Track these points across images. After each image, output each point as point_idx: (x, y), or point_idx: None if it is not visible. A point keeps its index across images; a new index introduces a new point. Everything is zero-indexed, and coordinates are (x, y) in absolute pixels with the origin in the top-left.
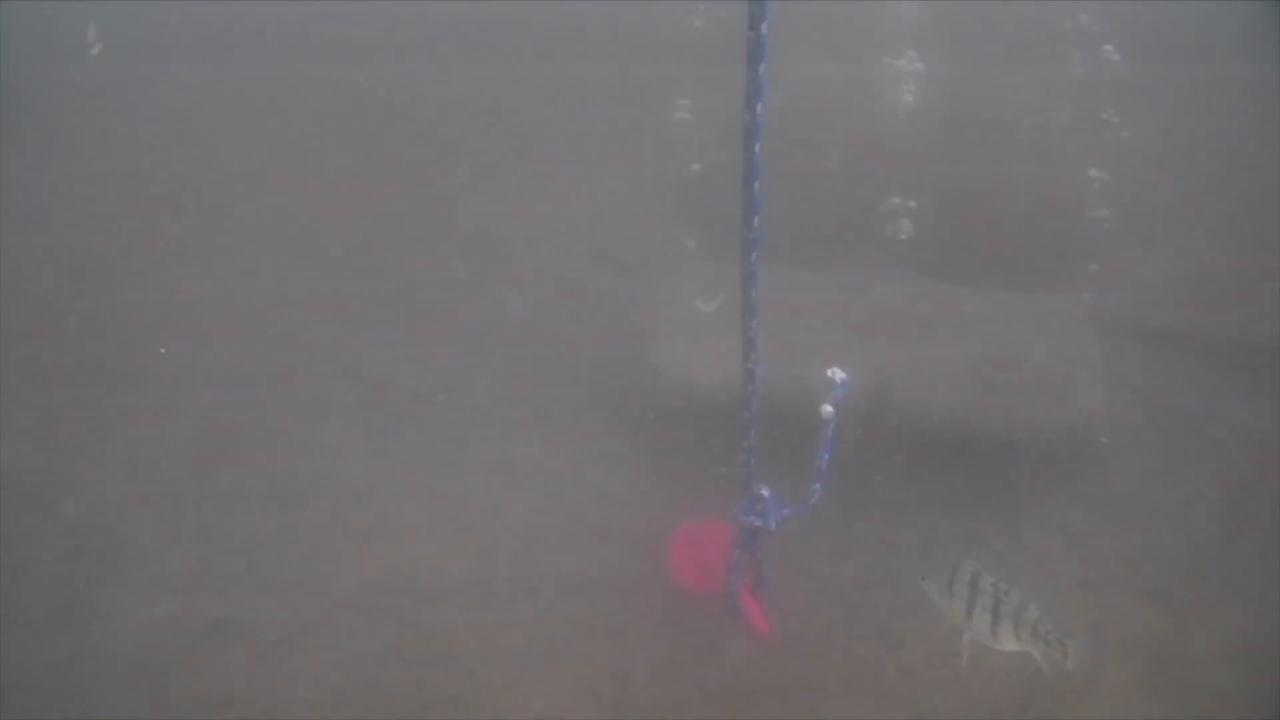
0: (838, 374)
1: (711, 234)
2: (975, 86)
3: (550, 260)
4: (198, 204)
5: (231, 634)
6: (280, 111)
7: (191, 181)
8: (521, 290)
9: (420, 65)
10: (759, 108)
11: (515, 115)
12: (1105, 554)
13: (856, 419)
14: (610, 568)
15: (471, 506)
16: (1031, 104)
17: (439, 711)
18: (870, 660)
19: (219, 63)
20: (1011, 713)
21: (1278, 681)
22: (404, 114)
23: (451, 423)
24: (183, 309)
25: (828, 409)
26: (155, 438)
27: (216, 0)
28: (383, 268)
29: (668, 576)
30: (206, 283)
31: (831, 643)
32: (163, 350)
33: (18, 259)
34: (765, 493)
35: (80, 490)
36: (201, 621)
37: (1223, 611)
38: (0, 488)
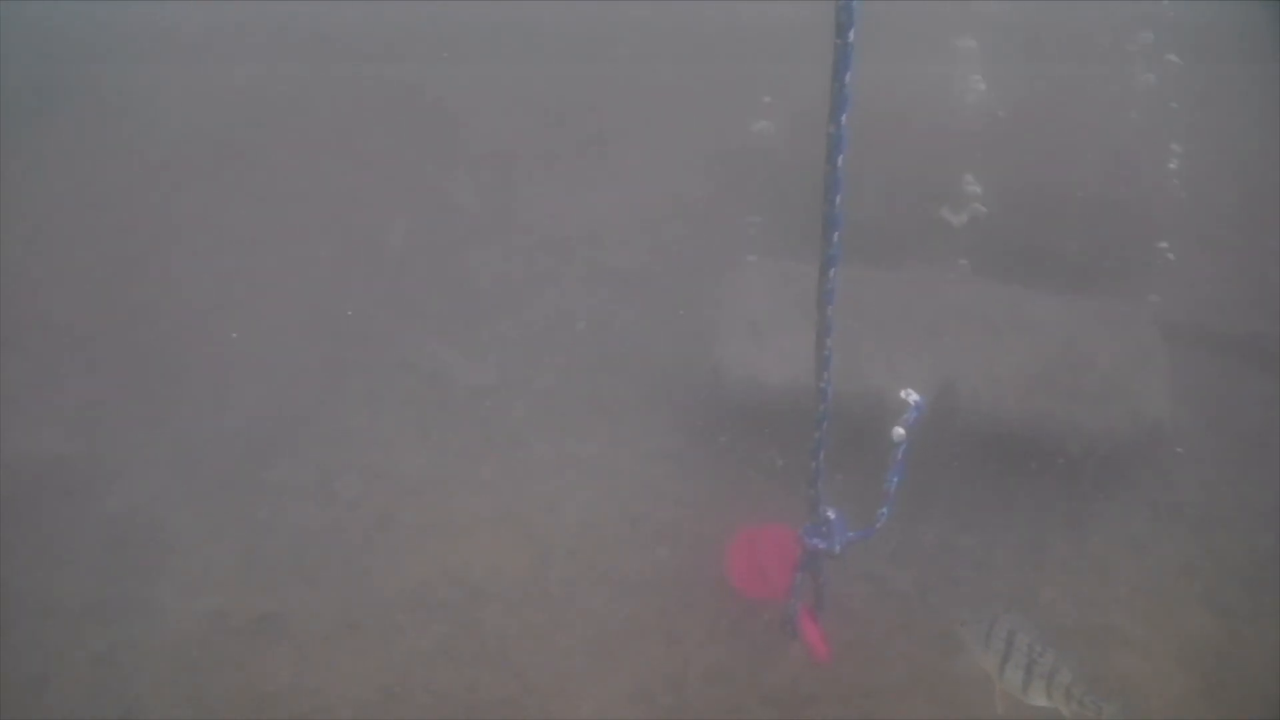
0: (912, 395)
1: (779, 233)
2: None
3: (612, 256)
4: (254, 196)
5: (277, 630)
6: (338, 109)
7: (248, 175)
8: (583, 286)
9: (479, 66)
10: (843, 119)
11: (580, 113)
12: (1167, 562)
13: (922, 421)
14: (667, 569)
15: (527, 504)
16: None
17: (489, 712)
18: (930, 666)
19: (275, 61)
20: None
21: None
22: (463, 112)
23: (509, 419)
24: (236, 300)
25: (899, 431)
26: (204, 429)
27: (271, 1)
28: (441, 262)
29: (725, 580)
30: (262, 274)
31: (891, 648)
32: (234, 335)
33: (70, 248)
34: (831, 515)
35: (126, 481)
36: (246, 617)
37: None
38: (44, 477)
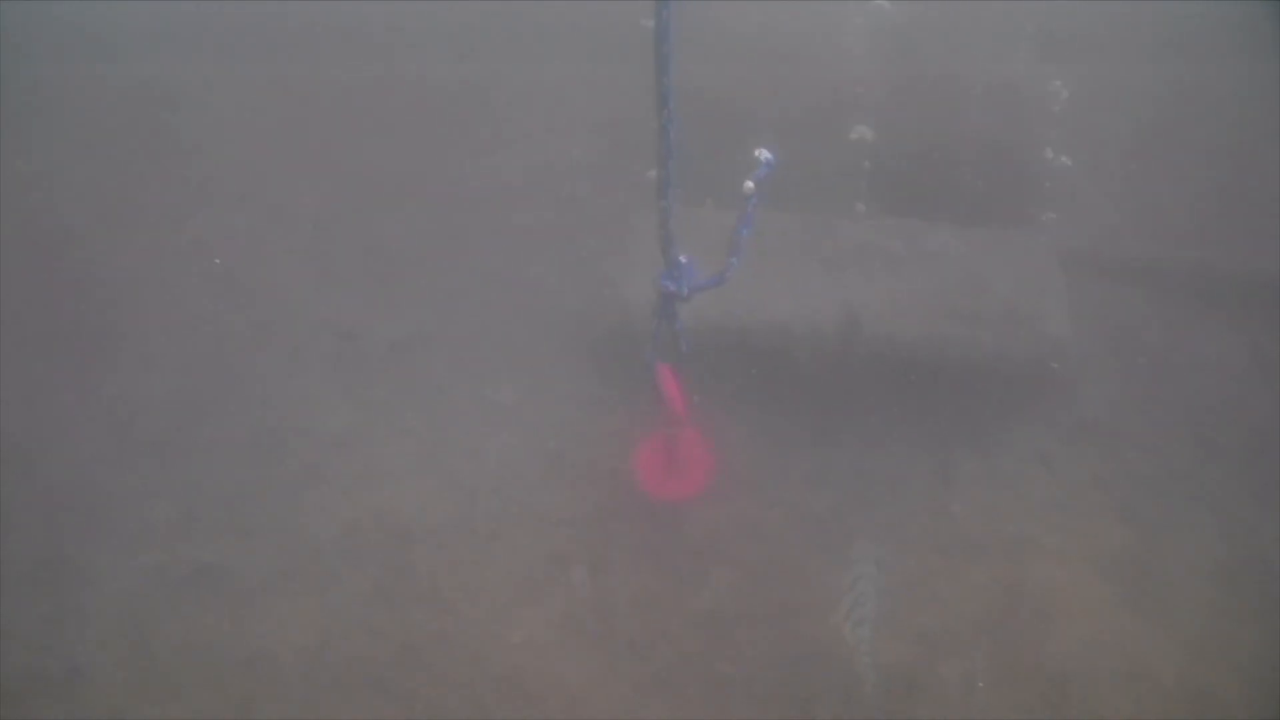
0: (764, 153)
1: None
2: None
3: (521, 212)
4: (173, 175)
5: (215, 581)
6: (256, 97)
7: (166, 155)
8: (493, 241)
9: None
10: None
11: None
12: (1077, 477)
13: (827, 350)
14: (589, 504)
15: (450, 449)
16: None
17: (425, 648)
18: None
19: (191, 55)
20: (993, 627)
21: (1251, 595)
22: (378, 95)
23: (429, 371)
24: (160, 270)
25: (749, 185)
26: (135, 394)
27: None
28: (356, 225)
29: (644, 496)
30: (183, 245)
31: (809, 569)
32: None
33: None
34: (683, 259)
35: (61, 449)
36: (185, 570)
37: (1195, 530)
38: None
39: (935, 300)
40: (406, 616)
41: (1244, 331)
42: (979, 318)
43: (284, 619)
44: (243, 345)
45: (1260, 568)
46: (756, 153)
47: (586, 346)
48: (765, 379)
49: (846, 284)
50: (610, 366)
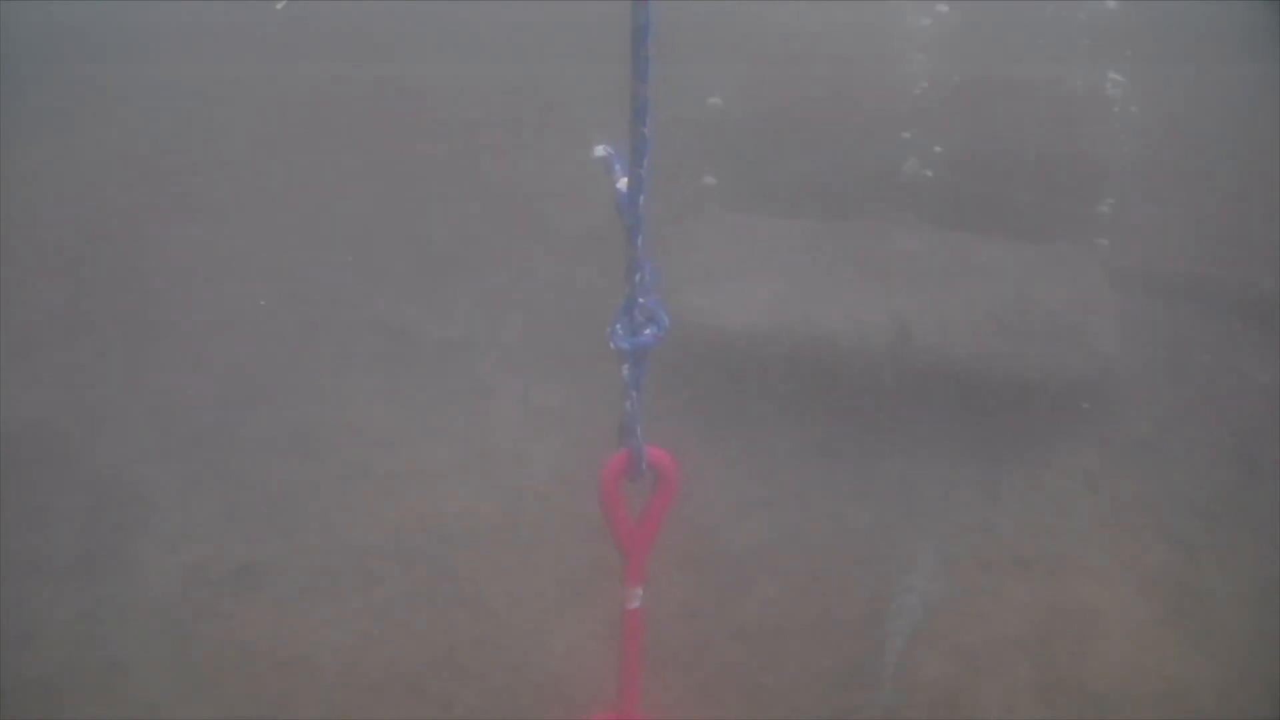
0: (603, 149)
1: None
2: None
3: (573, 216)
4: (225, 168)
5: (256, 581)
6: (309, 96)
7: (218, 151)
8: (543, 243)
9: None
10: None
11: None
12: (1123, 496)
13: (877, 363)
14: (634, 512)
15: (497, 452)
16: None
17: (465, 652)
18: (895, 597)
19: (245, 57)
20: (1035, 645)
21: None
22: (430, 94)
23: (477, 372)
24: (209, 264)
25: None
26: (181, 390)
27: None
28: (407, 224)
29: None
30: (233, 239)
31: (853, 582)
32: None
33: (46, 220)
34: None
35: (105, 442)
36: (226, 569)
37: (1238, 552)
38: (25, 441)
39: (984, 315)
40: (448, 620)
41: None
42: (1027, 333)
43: (324, 620)
44: (290, 342)
45: None
46: (597, 150)
47: None
48: (813, 390)
49: (897, 295)
50: (659, 372)
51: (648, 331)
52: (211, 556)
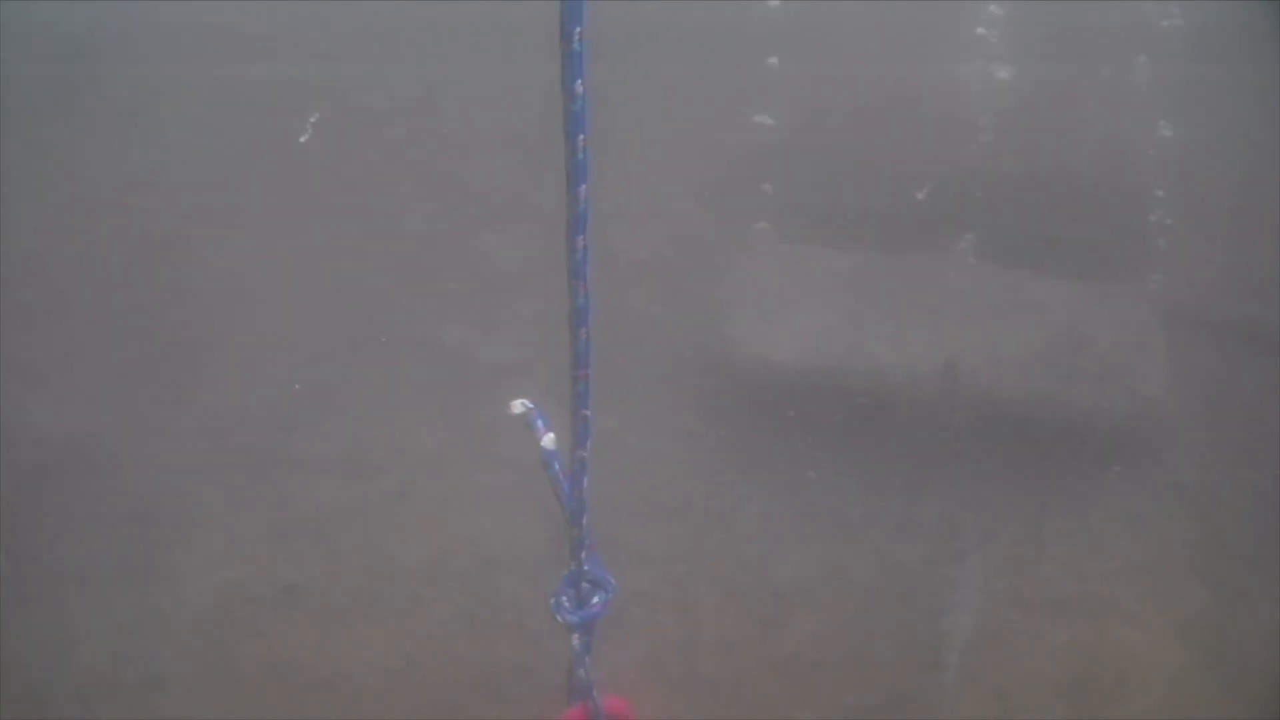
0: (522, 404)
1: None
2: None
3: (627, 240)
4: (280, 184)
5: (299, 600)
6: (354, 103)
7: (273, 162)
8: (598, 268)
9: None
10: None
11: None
12: (1164, 538)
13: (924, 399)
14: (679, 542)
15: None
16: None
17: (506, 679)
18: (935, 635)
19: (286, 60)
20: (1072, 688)
21: None
22: (489, 110)
23: (526, 396)
24: (260, 278)
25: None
26: (228, 406)
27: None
28: (461, 245)
29: None
30: (284, 256)
31: (896, 617)
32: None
33: (95, 234)
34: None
35: (151, 456)
36: (269, 587)
37: (1278, 598)
38: (72, 453)
39: (1034, 354)
40: (490, 646)
41: None
42: (1077, 373)
43: (365, 641)
44: (340, 360)
45: None
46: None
47: (687, 380)
48: (859, 423)
49: (946, 332)
50: (710, 401)
51: (595, 600)
52: (254, 574)
